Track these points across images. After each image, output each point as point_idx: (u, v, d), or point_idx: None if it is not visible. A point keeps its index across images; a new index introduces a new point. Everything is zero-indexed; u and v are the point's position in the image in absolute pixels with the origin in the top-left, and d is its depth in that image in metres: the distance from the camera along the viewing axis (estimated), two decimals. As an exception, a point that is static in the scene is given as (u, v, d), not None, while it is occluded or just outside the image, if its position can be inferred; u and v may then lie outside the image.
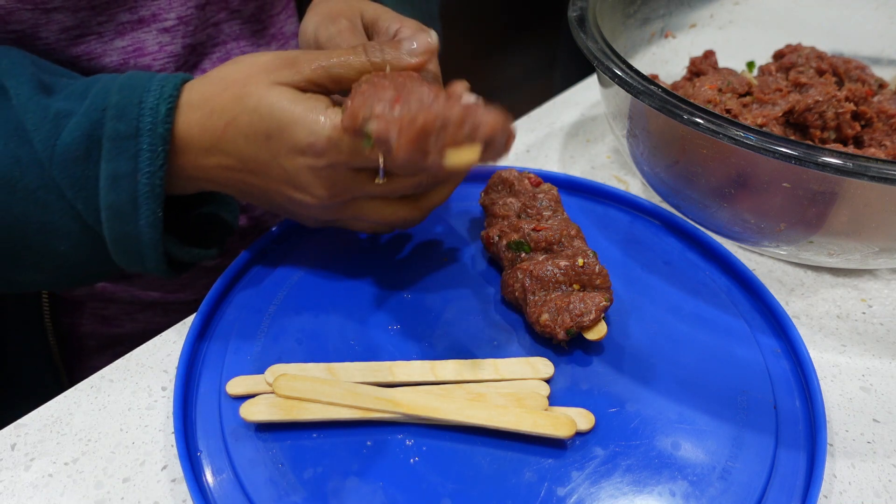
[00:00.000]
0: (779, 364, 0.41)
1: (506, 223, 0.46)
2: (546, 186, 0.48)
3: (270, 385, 0.38)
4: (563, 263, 0.42)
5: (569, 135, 0.65)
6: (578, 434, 0.37)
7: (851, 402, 0.41)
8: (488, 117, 0.31)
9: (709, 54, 0.60)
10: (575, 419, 0.36)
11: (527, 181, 0.48)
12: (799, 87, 0.53)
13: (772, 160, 0.38)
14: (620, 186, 0.58)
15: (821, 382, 0.41)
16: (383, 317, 0.44)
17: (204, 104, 0.37)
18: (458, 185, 0.43)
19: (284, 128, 0.36)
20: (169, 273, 0.41)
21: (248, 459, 0.35)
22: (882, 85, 0.56)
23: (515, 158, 0.62)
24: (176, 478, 0.36)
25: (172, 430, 0.38)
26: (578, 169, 0.61)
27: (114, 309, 0.57)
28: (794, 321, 0.46)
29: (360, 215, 0.41)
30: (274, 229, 0.49)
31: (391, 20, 0.44)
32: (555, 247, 0.44)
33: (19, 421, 0.39)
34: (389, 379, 0.39)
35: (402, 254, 0.48)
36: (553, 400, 0.39)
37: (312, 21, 0.45)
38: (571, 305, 0.40)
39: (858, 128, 0.51)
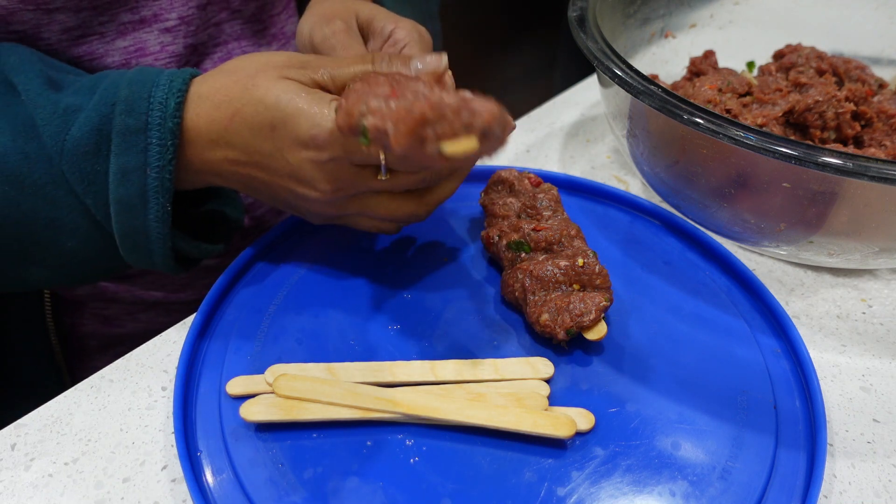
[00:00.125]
0: (779, 364, 0.41)
1: (506, 223, 0.46)
2: (546, 186, 0.48)
3: (270, 385, 0.38)
4: (563, 263, 0.42)
5: (569, 135, 0.65)
6: (578, 434, 0.37)
7: (851, 402, 0.41)
8: (484, 107, 0.31)
9: (709, 54, 0.60)
10: (575, 419, 0.36)
11: (527, 181, 0.48)
12: (799, 87, 0.53)
13: (772, 160, 0.38)
14: (620, 186, 0.58)
15: (821, 382, 0.41)
16: (383, 317, 0.44)
17: (213, 96, 0.38)
18: (463, 179, 0.43)
19: (288, 119, 0.36)
20: (176, 268, 0.41)
21: (248, 459, 0.35)
22: (882, 85, 0.56)
23: (515, 158, 0.62)
24: (176, 478, 0.36)
25: (172, 430, 0.38)
26: (578, 169, 0.61)
27: (115, 309, 0.57)
28: (794, 321, 0.46)
29: (365, 210, 0.41)
30: (275, 228, 0.49)
31: (386, 20, 0.44)
32: (555, 247, 0.44)
33: (19, 421, 0.39)
34: (389, 379, 0.39)
35: (402, 254, 0.48)
36: (553, 400, 0.39)
37: (308, 22, 0.45)
38: (571, 305, 0.40)
39: (858, 128, 0.51)
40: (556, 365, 0.40)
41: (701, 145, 0.44)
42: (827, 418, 0.39)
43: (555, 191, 0.48)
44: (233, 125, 0.37)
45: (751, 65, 0.61)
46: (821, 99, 0.50)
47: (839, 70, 0.56)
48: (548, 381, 0.40)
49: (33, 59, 0.39)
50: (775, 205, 0.43)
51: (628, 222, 0.52)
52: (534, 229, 0.44)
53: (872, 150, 0.50)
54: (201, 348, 0.42)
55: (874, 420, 0.40)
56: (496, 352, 0.42)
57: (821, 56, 0.57)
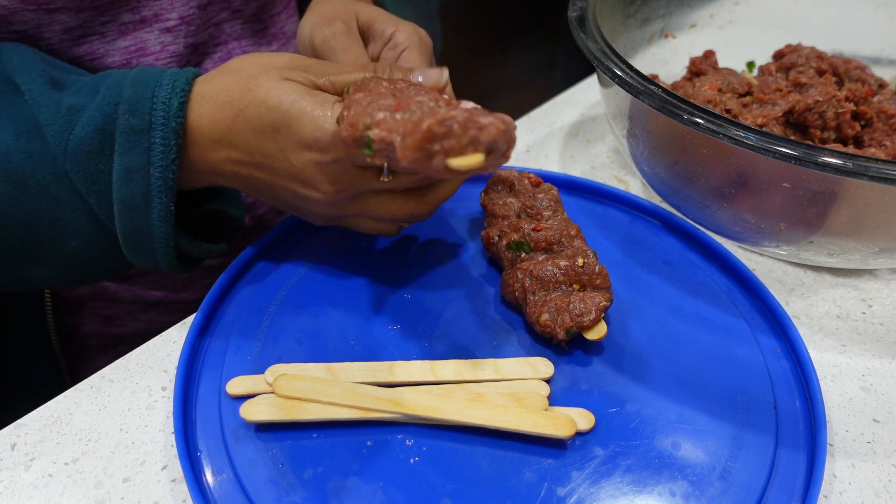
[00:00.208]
0: (779, 364, 0.41)
1: (506, 223, 0.46)
2: (546, 186, 0.48)
3: (270, 385, 0.38)
4: (563, 263, 0.42)
5: (569, 135, 0.65)
6: (578, 434, 0.37)
7: (851, 402, 0.41)
8: (491, 122, 0.31)
9: (709, 54, 0.60)
10: (575, 419, 0.36)
11: (527, 181, 0.48)
12: (799, 87, 0.53)
13: (772, 160, 0.38)
14: (620, 186, 0.58)
15: (821, 382, 0.41)
16: (383, 317, 0.44)
17: (216, 96, 0.38)
18: (464, 180, 0.43)
19: (292, 121, 0.36)
20: (179, 268, 0.42)
21: (248, 459, 0.35)
22: (882, 85, 0.56)
23: (515, 158, 0.62)
24: (176, 478, 0.36)
25: (172, 430, 0.38)
26: (578, 169, 0.61)
27: (116, 309, 0.57)
28: (794, 321, 0.46)
29: (366, 211, 0.41)
30: (275, 228, 0.49)
31: (386, 23, 0.44)
32: (555, 247, 0.44)
33: (19, 421, 0.39)
34: (389, 379, 0.39)
35: (402, 254, 0.48)
36: (553, 400, 0.39)
37: (309, 23, 0.45)
38: (571, 305, 0.40)
39: (858, 128, 0.51)
40: (556, 365, 0.40)
41: (701, 145, 0.44)
42: (827, 418, 0.39)
43: (555, 191, 0.48)
44: (235, 126, 0.37)
45: (751, 65, 0.61)
46: (821, 99, 0.50)
47: (839, 70, 0.56)
48: (548, 381, 0.40)
49: (36, 58, 0.39)
50: (775, 205, 0.43)
51: (628, 222, 0.52)
52: (534, 229, 0.44)
53: (872, 150, 0.50)
54: (201, 348, 0.42)
55: (874, 420, 0.40)
56: (496, 352, 0.42)
57: (821, 56, 0.57)
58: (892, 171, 0.35)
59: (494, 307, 0.45)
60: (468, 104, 0.34)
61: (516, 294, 0.43)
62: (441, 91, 0.39)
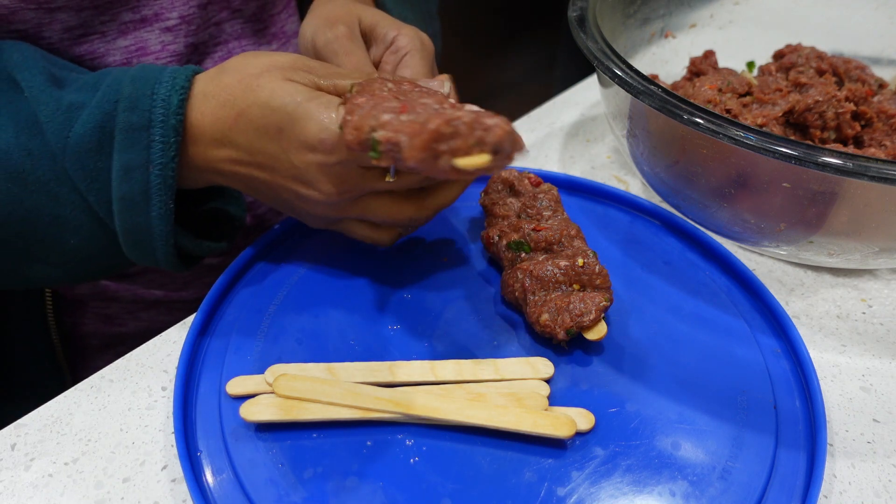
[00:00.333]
0: (779, 364, 0.41)
1: (506, 223, 0.46)
2: (546, 186, 0.48)
3: (270, 385, 0.38)
4: (563, 263, 0.42)
5: (569, 135, 0.65)
6: (578, 434, 0.37)
7: (851, 402, 0.41)
8: (497, 124, 0.32)
9: (709, 54, 0.60)
10: (575, 419, 0.36)
11: (527, 181, 0.48)
12: (799, 87, 0.53)
13: (772, 160, 0.38)
14: (620, 186, 0.58)
15: (821, 382, 0.41)
16: (383, 317, 0.44)
17: (217, 94, 0.38)
18: (466, 187, 0.43)
19: (296, 122, 0.36)
20: (179, 266, 0.41)
21: (248, 459, 0.35)
22: (882, 85, 0.56)
23: (515, 158, 0.62)
24: (176, 478, 0.36)
25: (172, 430, 0.38)
26: (578, 169, 0.61)
27: (116, 308, 0.57)
28: (794, 321, 0.46)
29: (366, 214, 0.41)
30: (276, 228, 0.49)
31: (389, 27, 0.44)
32: (555, 247, 0.44)
33: (19, 421, 0.39)
34: (389, 379, 0.39)
35: (402, 254, 0.48)
36: (553, 400, 0.39)
37: (311, 24, 0.45)
38: (571, 305, 0.40)
39: (858, 128, 0.51)
40: (556, 365, 0.40)
41: (701, 145, 0.44)
42: (827, 418, 0.39)
43: (555, 191, 0.48)
44: (238, 125, 0.37)
45: (751, 65, 0.61)
46: (821, 99, 0.50)
47: (839, 70, 0.56)
48: (548, 381, 0.40)
49: (36, 56, 0.39)
50: (775, 205, 0.43)
51: (628, 222, 0.52)
52: (534, 229, 0.44)
53: (872, 150, 0.51)
54: (201, 348, 0.42)
55: (874, 420, 0.40)
56: (496, 352, 0.42)
57: (821, 56, 0.57)
58: (892, 171, 0.35)
59: (494, 307, 0.45)
60: (471, 107, 0.34)
61: (516, 294, 0.43)
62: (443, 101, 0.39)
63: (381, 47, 0.44)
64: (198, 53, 0.51)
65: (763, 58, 0.61)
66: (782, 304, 0.47)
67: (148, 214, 0.38)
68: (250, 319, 0.43)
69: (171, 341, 0.44)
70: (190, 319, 0.45)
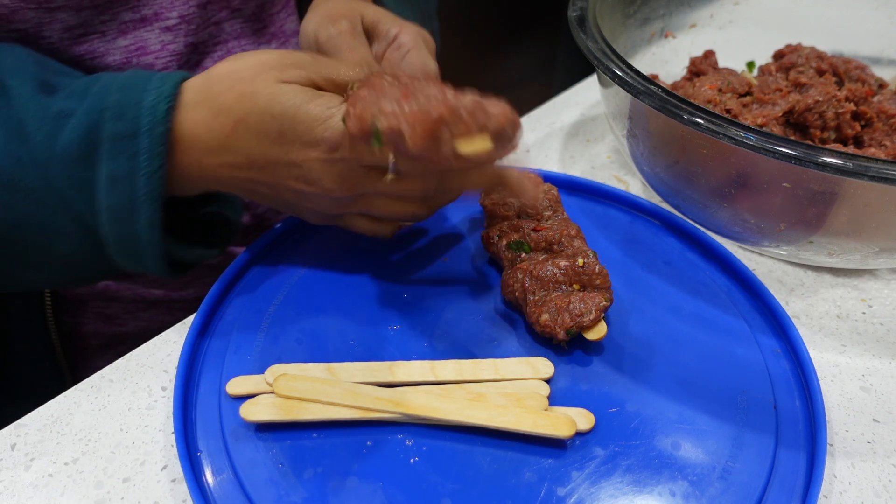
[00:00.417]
0: (779, 364, 0.41)
1: (506, 223, 0.46)
2: (546, 186, 0.48)
3: (270, 385, 0.38)
4: (563, 263, 0.42)
5: (569, 135, 0.65)
6: (578, 434, 0.37)
7: (851, 402, 0.41)
8: (498, 108, 0.32)
9: (709, 54, 0.60)
10: (575, 419, 0.36)
11: (527, 181, 0.48)
12: (799, 87, 0.53)
13: (772, 160, 0.38)
14: (620, 186, 0.58)
15: (821, 382, 0.41)
16: (383, 317, 0.44)
17: (209, 102, 0.37)
18: (468, 189, 0.43)
19: (297, 125, 0.36)
20: (170, 273, 0.41)
21: (248, 459, 0.35)
22: (882, 85, 0.56)
23: (516, 158, 0.62)
24: (176, 478, 0.36)
25: (172, 430, 0.38)
26: (578, 169, 0.61)
27: (116, 308, 0.57)
28: (794, 321, 0.46)
29: (368, 209, 0.41)
30: (276, 227, 0.49)
31: (391, 24, 0.44)
32: (555, 247, 0.44)
33: (19, 421, 0.39)
34: (389, 379, 0.39)
35: (402, 254, 0.48)
36: (553, 400, 0.39)
37: (313, 21, 0.45)
38: (571, 305, 0.40)
39: (858, 128, 0.51)
40: (556, 365, 0.40)
41: (701, 145, 0.44)
42: (827, 418, 0.39)
43: (555, 191, 0.48)
44: (236, 133, 0.37)
45: (751, 65, 0.61)
46: (821, 99, 0.50)
47: (839, 70, 0.56)
48: (548, 381, 0.40)
49: (28, 61, 0.39)
50: (775, 205, 0.43)
51: (628, 222, 0.52)
52: (534, 229, 0.44)
53: (872, 150, 0.51)
54: (201, 348, 0.42)
55: (874, 420, 0.40)
56: (496, 352, 0.42)
57: (821, 56, 0.57)
58: (892, 171, 0.35)
59: (494, 307, 0.45)
60: (476, 96, 0.34)
61: (516, 294, 0.43)
62: None
63: (383, 43, 0.44)
64: (197, 53, 0.51)
65: (763, 58, 0.61)
66: (782, 304, 0.47)
67: (135, 224, 0.37)
68: (250, 319, 0.43)
69: (171, 341, 0.44)
70: (190, 319, 0.45)
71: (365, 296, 0.45)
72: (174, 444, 0.37)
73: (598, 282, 0.42)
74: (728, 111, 0.51)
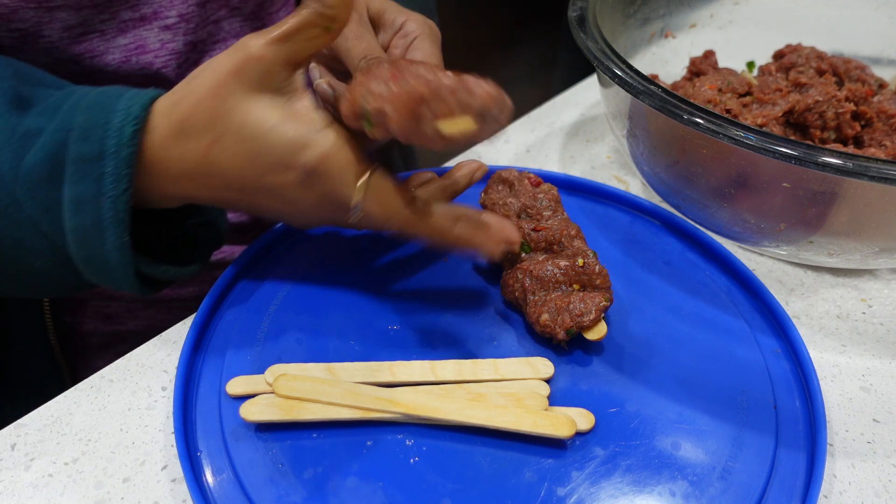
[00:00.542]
0: (779, 364, 0.41)
1: (506, 223, 0.46)
2: (546, 186, 0.48)
3: (270, 385, 0.38)
4: (563, 263, 0.42)
5: (569, 135, 0.65)
6: (578, 434, 0.37)
7: (851, 402, 0.41)
8: (481, 87, 0.32)
9: (709, 54, 0.60)
10: (575, 419, 0.36)
11: (527, 181, 0.48)
12: (799, 87, 0.53)
13: (772, 160, 0.38)
14: (620, 186, 0.58)
15: (821, 382, 0.41)
16: (383, 317, 0.44)
17: (178, 125, 0.35)
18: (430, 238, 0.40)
19: (273, 149, 0.35)
20: (143, 291, 0.40)
21: (248, 459, 0.35)
22: (882, 85, 0.56)
23: (515, 158, 0.62)
24: (176, 478, 0.36)
25: (172, 430, 0.38)
26: (578, 169, 0.61)
27: (116, 307, 0.57)
28: (794, 321, 0.46)
29: (357, 224, 0.40)
30: (276, 227, 0.49)
31: (397, 13, 0.44)
32: (555, 247, 0.44)
33: (19, 421, 0.39)
34: (389, 379, 0.39)
35: (402, 254, 0.48)
36: (553, 400, 0.39)
37: None
38: (571, 305, 0.40)
39: (858, 128, 0.51)
40: (556, 365, 0.40)
41: (701, 145, 0.44)
42: (827, 418, 0.39)
43: (555, 191, 0.48)
44: (209, 158, 0.35)
45: (751, 65, 0.61)
46: (821, 99, 0.50)
47: (839, 70, 0.56)
48: (548, 381, 0.39)
49: (6, 73, 0.38)
50: (775, 205, 0.43)
51: (628, 222, 0.52)
52: (534, 229, 0.44)
53: (872, 150, 0.51)
54: (201, 348, 0.41)
55: (874, 420, 0.40)
56: (496, 352, 0.42)
57: (821, 56, 0.57)
58: (892, 171, 0.35)
59: (494, 307, 0.45)
60: (465, 76, 0.34)
61: (516, 294, 0.43)
62: None
63: (389, 32, 0.44)
64: (196, 51, 0.51)
65: (763, 58, 0.61)
66: (782, 304, 0.47)
67: (102, 247, 0.36)
68: (250, 319, 0.43)
69: (171, 341, 0.44)
70: (190, 319, 0.45)
71: (365, 296, 0.45)
72: (174, 444, 0.37)
73: (598, 282, 0.42)
74: (728, 111, 0.51)
